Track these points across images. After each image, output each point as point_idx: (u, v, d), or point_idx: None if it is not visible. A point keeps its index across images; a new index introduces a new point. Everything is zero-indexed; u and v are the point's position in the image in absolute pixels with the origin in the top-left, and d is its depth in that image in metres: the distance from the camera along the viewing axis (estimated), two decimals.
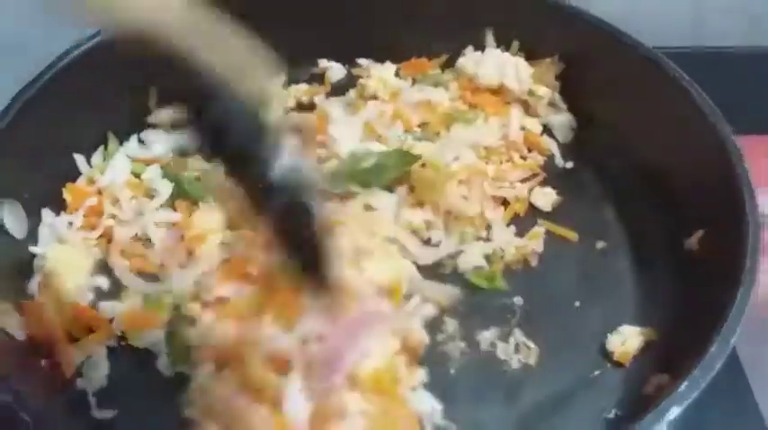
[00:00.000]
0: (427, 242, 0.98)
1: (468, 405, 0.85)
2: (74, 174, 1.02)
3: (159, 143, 1.09)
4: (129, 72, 1.03)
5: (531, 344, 0.90)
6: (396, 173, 0.98)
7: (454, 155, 1.01)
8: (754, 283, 0.79)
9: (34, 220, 0.95)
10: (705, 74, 0.98)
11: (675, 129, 0.98)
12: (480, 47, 1.13)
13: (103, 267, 0.96)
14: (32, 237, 0.95)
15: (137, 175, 1.03)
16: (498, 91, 1.10)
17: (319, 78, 1.18)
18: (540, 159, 1.08)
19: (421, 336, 0.85)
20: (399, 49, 1.16)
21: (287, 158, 0.67)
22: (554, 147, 1.09)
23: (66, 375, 0.86)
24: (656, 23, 1.13)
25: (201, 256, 0.93)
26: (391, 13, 1.13)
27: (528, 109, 1.11)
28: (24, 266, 0.93)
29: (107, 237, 0.97)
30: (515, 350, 0.89)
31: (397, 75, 1.15)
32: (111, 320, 0.90)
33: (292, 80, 1.17)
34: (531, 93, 1.09)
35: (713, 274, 0.87)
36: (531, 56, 1.11)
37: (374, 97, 1.11)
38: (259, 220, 0.71)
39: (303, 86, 1.17)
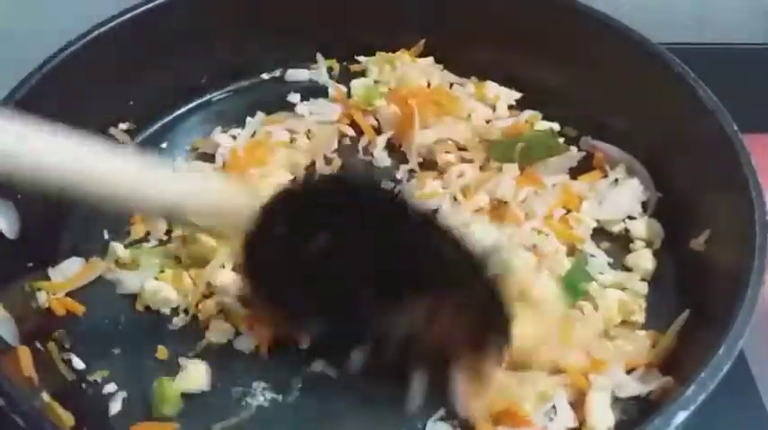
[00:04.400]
0: None
1: None
2: None
3: None
4: (120, 73, 1.03)
5: None
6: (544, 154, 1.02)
7: None
8: (762, 284, 0.78)
9: (26, 221, 0.93)
10: (709, 71, 0.97)
11: (681, 127, 0.97)
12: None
13: None
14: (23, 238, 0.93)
15: None
16: None
17: None
18: None
19: None
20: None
21: None
22: None
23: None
24: (661, 19, 1.12)
25: None
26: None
27: None
28: (17, 268, 0.91)
29: None
30: None
31: None
32: None
33: None
34: None
35: (720, 275, 0.86)
36: (532, 52, 1.10)
37: None
38: None
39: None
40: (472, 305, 0.73)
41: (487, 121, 1.09)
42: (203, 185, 0.77)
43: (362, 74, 1.17)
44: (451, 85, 1.15)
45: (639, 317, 0.89)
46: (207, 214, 0.73)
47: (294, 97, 1.15)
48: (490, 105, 1.12)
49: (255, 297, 0.82)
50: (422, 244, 0.71)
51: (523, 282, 0.85)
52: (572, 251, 0.95)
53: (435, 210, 0.74)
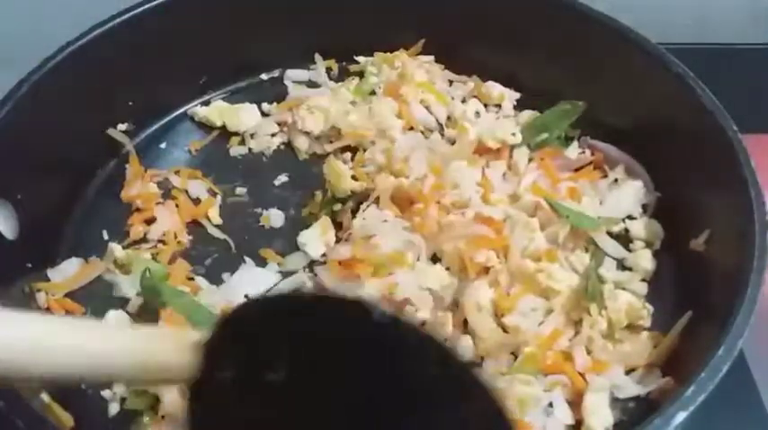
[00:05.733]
0: None
1: None
2: (66, 174, 1.01)
3: None
4: (120, 74, 1.03)
5: None
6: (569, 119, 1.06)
7: None
8: (762, 284, 0.78)
9: (25, 221, 0.93)
10: (709, 71, 0.97)
11: (681, 127, 0.97)
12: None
13: None
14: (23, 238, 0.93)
15: None
16: None
17: None
18: None
19: None
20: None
21: None
22: None
23: None
24: (661, 19, 1.12)
25: None
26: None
27: None
28: (17, 269, 0.91)
29: None
30: None
31: None
32: None
33: None
34: None
35: (719, 275, 0.86)
36: (532, 52, 1.10)
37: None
38: None
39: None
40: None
41: None
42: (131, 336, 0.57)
43: (361, 74, 1.17)
44: (451, 82, 1.15)
45: (646, 322, 0.89)
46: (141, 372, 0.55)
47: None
48: (495, 104, 1.13)
49: None
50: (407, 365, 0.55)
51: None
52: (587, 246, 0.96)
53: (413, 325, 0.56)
